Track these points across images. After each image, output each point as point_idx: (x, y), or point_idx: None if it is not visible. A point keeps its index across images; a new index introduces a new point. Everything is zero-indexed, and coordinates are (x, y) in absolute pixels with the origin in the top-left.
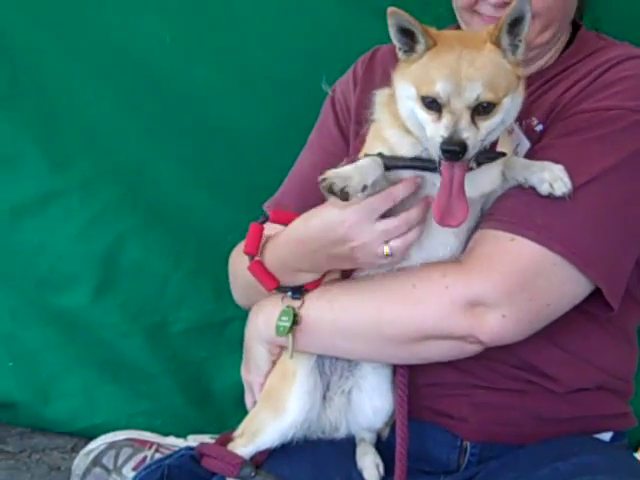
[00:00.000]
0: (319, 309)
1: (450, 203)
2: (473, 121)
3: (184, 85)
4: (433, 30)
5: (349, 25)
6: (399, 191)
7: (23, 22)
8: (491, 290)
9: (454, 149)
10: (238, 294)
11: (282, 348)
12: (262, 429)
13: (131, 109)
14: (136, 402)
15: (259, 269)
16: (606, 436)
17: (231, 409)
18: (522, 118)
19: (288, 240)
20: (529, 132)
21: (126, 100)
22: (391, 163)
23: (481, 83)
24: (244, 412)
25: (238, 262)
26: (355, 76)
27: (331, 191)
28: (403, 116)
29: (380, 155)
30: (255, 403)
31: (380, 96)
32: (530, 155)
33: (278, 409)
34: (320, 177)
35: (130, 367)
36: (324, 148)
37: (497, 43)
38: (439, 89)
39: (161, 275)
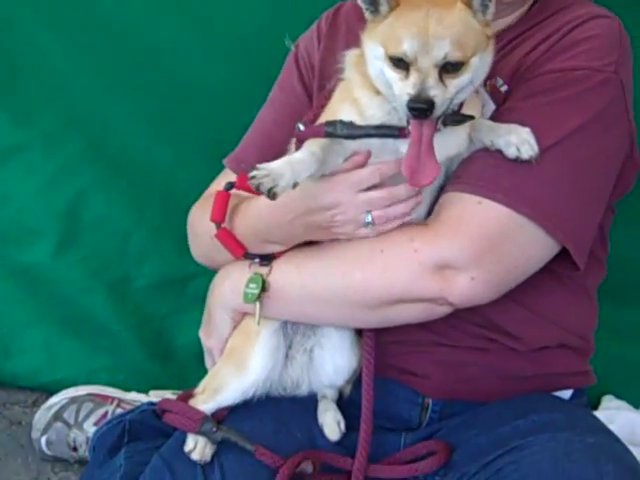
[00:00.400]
0: (287, 275)
1: (420, 161)
2: (441, 79)
3: (148, 39)
4: None
5: None
6: (387, 168)
7: None
8: (459, 253)
9: (421, 106)
10: (198, 252)
11: (246, 314)
12: (224, 386)
13: (94, 63)
14: (97, 357)
15: (227, 237)
16: (566, 394)
17: (193, 365)
18: (487, 78)
19: (260, 210)
20: (494, 92)
21: (89, 54)
22: (356, 132)
23: (449, 41)
24: (205, 369)
25: (198, 221)
26: (319, 32)
27: (258, 190)
28: (372, 76)
29: (342, 124)
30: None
31: (350, 56)
32: (496, 117)
33: (240, 367)
34: (250, 173)
35: (92, 322)
36: (286, 104)
37: (468, 3)
38: (406, 47)
39: (123, 231)
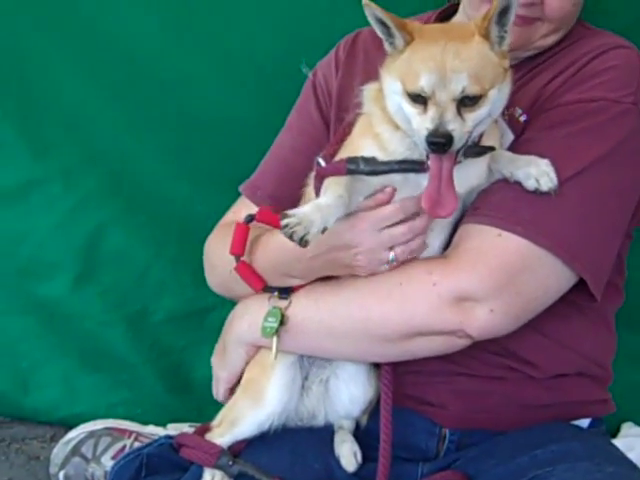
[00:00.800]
0: (306, 309)
1: (440, 193)
2: (459, 113)
3: (166, 73)
4: (415, 24)
5: (329, 9)
6: (410, 205)
7: (3, 10)
8: (478, 285)
9: (440, 141)
10: (215, 282)
11: (260, 347)
12: (240, 419)
13: (113, 97)
14: (116, 391)
15: (246, 271)
16: (584, 422)
17: (210, 398)
18: (505, 108)
19: (281, 244)
20: (512, 122)
21: (108, 88)
22: (378, 168)
23: (466, 75)
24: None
25: (215, 251)
26: (337, 60)
27: (291, 239)
28: (391, 111)
29: (364, 160)
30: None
31: (369, 91)
32: (514, 147)
33: (257, 399)
34: (281, 221)
35: (110, 356)
36: (304, 130)
37: (486, 35)
38: (423, 82)
39: (142, 264)
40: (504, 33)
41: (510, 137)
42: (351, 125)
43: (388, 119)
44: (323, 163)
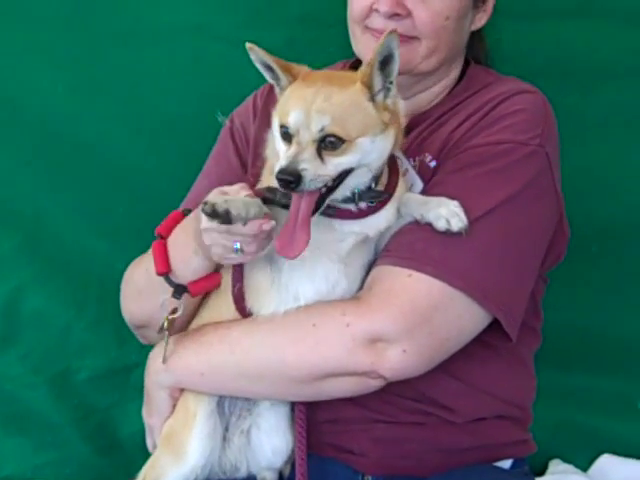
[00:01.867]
0: (221, 354)
1: (293, 235)
2: (320, 155)
3: (79, 133)
4: (304, 68)
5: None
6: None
7: None
8: (391, 326)
9: (286, 178)
10: (127, 302)
11: (182, 390)
12: (163, 475)
13: (26, 158)
14: (42, 453)
15: (160, 250)
16: (506, 463)
17: (139, 455)
18: (415, 155)
19: (184, 229)
20: (422, 169)
21: (21, 150)
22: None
23: (330, 117)
24: None
25: (131, 270)
26: (255, 107)
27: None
28: (276, 148)
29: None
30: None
31: (270, 133)
32: (425, 191)
33: (179, 453)
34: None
35: (35, 418)
36: (222, 176)
37: (368, 83)
38: (290, 119)
39: (63, 324)
40: (389, 84)
41: (419, 186)
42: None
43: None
44: None
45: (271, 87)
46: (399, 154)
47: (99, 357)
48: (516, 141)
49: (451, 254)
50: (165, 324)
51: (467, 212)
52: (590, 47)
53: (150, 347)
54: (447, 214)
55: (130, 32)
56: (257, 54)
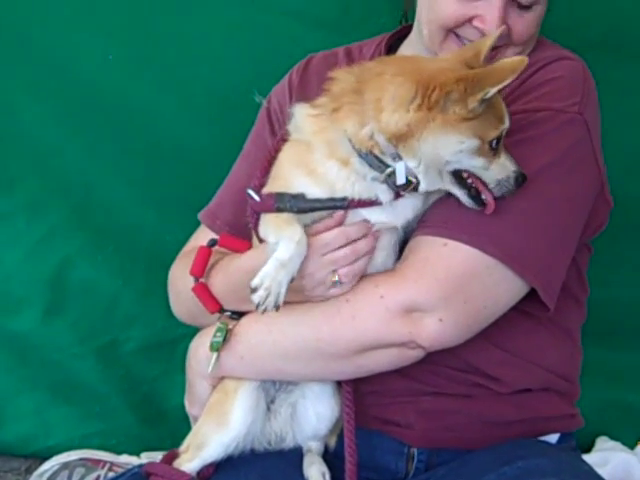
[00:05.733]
0: (258, 334)
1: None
2: None
3: (128, 103)
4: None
5: (286, 36)
6: (354, 230)
7: None
8: (426, 295)
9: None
10: (181, 311)
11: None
12: (206, 443)
13: (75, 129)
14: (89, 422)
15: (203, 292)
16: (553, 438)
17: (184, 426)
18: None
19: (240, 269)
20: None
21: (70, 120)
22: (305, 206)
23: None
24: None
25: (179, 278)
26: (290, 85)
27: (266, 311)
28: (447, 168)
29: (291, 197)
30: None
31: (304, 118)
32: None
33: (221, 422)
34: (252, 298)
35: (82, 388)
36: (259, 157)
37: None
38: (507, 122)
39: (111, 295)
40: None
41: None
42: (276, 151)
43: (337, 156)
44: (255, 196)
45: (307, 63)
46: None
47: (146, 328)
48: (554, 108)
49: (487, 222)
50: (221, 339)
51: None
52: None
53: None
54: None
55: (182, 0)
56: None
